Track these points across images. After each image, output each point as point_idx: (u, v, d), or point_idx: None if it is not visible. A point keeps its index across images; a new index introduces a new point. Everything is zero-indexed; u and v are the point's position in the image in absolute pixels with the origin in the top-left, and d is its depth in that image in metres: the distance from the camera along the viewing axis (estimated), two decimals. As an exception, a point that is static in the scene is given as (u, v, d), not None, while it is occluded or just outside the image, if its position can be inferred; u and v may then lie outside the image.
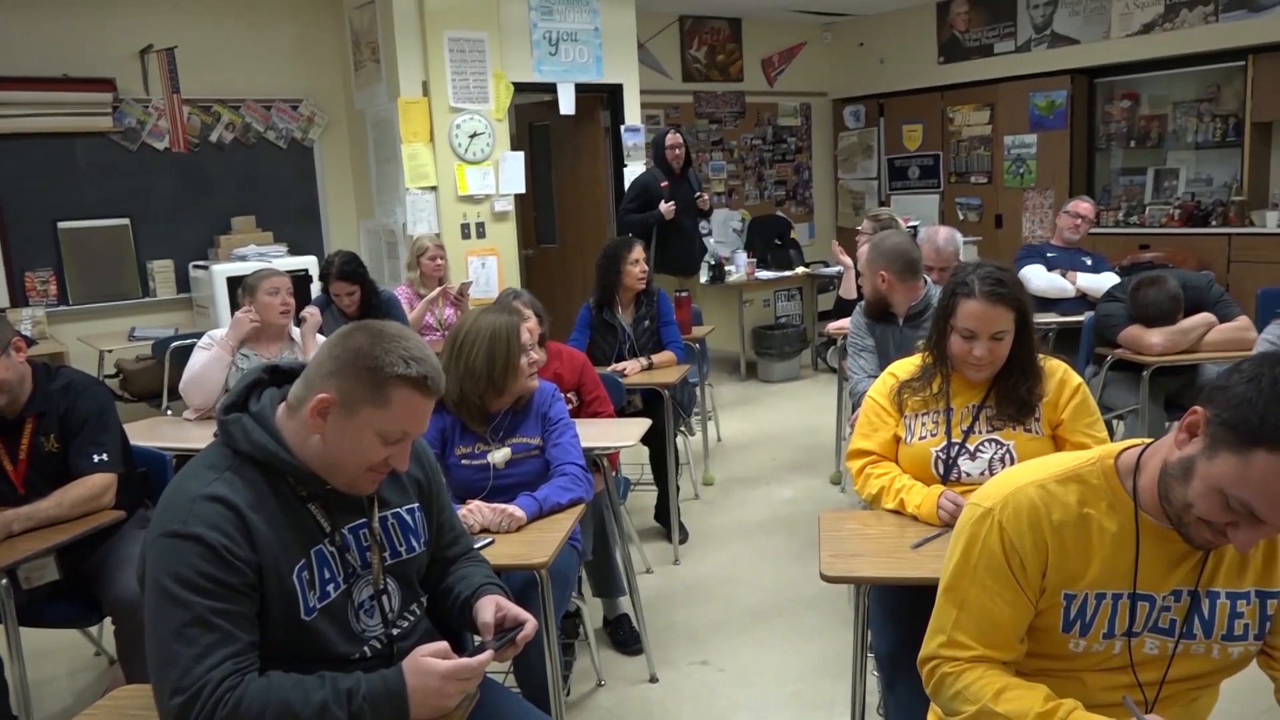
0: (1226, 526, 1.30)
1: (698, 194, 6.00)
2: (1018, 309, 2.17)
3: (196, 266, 5.71)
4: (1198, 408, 1.34)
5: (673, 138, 5.80)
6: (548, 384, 2.68)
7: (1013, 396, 2.18)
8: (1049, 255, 4.79)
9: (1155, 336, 3.77)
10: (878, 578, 1.94)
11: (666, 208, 5.80)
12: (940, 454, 2.20)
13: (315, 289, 5.32)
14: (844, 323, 3.92)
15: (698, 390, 5.00)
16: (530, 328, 2.62)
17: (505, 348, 2.48)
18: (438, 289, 4.93)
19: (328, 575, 1.54)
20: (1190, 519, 1.35)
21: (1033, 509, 1.45)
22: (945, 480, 2.20)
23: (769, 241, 7.89)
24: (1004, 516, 1.45)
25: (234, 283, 5.31)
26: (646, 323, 4.17)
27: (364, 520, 1.61)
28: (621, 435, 2.96)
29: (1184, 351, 3.76)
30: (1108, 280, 4.53)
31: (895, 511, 2.17)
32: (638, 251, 4.11)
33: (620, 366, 3.96)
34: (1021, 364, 2.18)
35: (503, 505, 2.26)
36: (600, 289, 4.11)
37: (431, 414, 1.58)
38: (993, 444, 2.17)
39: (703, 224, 6.22)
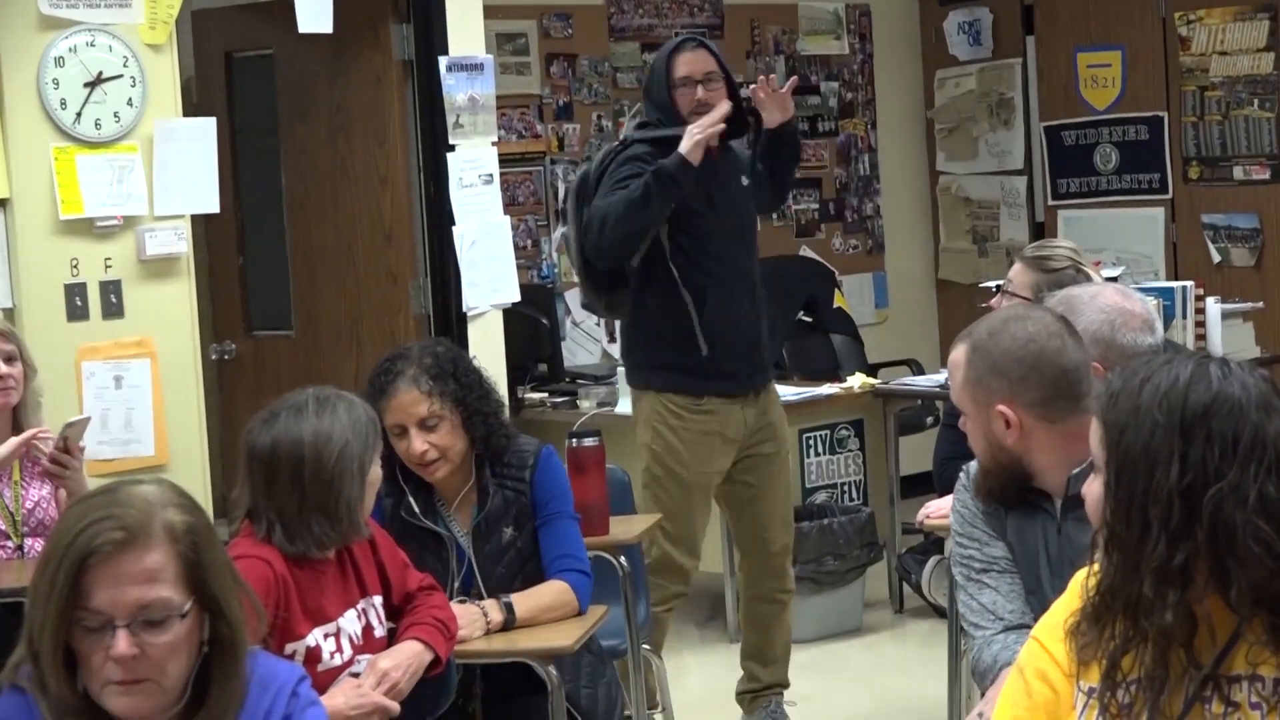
0: None
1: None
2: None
3: None
4: None
5: (691, 59, 5.73)
6: (285, 667, 2.76)
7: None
8: None
9: None
10: None
11: (703, 133, 5.41)
12: None
13: None
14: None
15: (638, 666, 5.05)
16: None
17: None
18: (13, 440, 4.99)
19: None
20: None
21: None
22: None
23: (787, 315, 8.17)
24: None
25: None
26: (509, 530, 4.28)
27: None
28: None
29: None
30: None
31: None
32: (413, 389, 4.12)
33: None
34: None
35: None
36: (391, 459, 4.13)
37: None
38: None
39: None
